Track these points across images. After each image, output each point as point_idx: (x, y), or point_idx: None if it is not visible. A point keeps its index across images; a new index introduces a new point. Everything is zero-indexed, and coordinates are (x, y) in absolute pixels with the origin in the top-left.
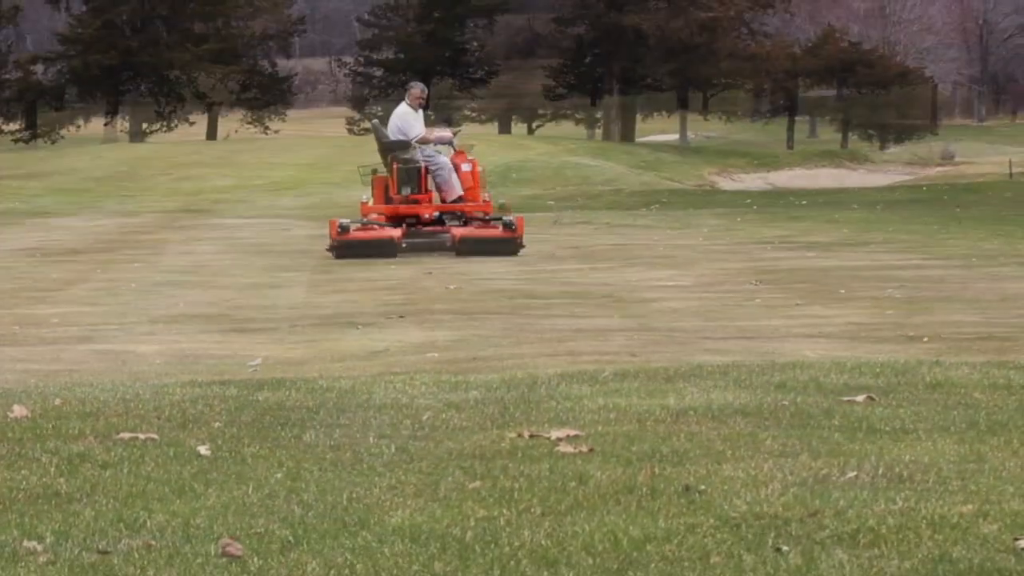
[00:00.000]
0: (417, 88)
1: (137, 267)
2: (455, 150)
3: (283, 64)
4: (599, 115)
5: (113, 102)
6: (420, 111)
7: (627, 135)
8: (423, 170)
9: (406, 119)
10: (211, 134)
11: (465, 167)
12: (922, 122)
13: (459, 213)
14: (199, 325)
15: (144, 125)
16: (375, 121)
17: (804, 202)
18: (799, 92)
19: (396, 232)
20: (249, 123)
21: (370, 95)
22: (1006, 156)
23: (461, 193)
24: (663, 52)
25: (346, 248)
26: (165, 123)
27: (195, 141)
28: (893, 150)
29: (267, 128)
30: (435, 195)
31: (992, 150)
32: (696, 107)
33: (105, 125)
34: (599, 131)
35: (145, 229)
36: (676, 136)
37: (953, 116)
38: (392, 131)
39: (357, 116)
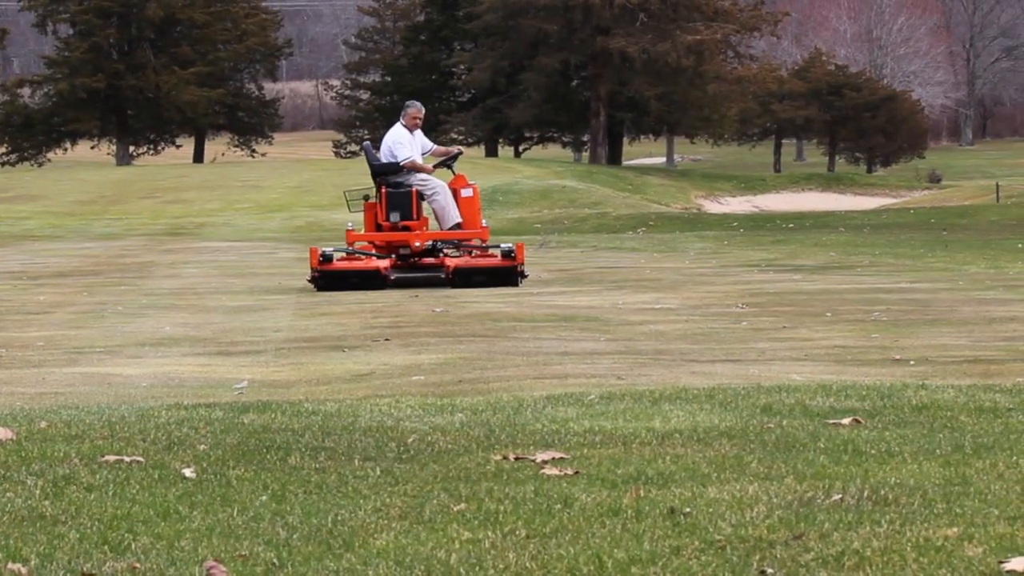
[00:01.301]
0: (414, 108)
1: (123, 290)
2: (454, 174)
3: (270, 87)
4: (586, 138)
5: (100, 125)
6: (417, 133)
7: (614, 158)
8: (414, 194)
9: (398, 141)
10: (198, 157)
11: (465, 192)
12: (909, 145)
13: (455, 242)
14: (185, 348)
15: (131, 148)
16: (366, 143)
17: (791, 225)
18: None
19: (384, 263)
20: (236, 146)
21: (356, 118)
22: (993, 179)
23: (459, 220)
24: (650, 75)
25: (329, 279)
26: (152, 146)
27: (182, 164)
28: (880, 173)
29: (254, 151)
30: (431, 222)
31: (979, 173)
32: (683, 130)
33: (92, 148)
34: (586, 154)
35: (131, 252)
36: (663, 159)
37: (940, 139)
38: (384, 153)
39: (344, 139)
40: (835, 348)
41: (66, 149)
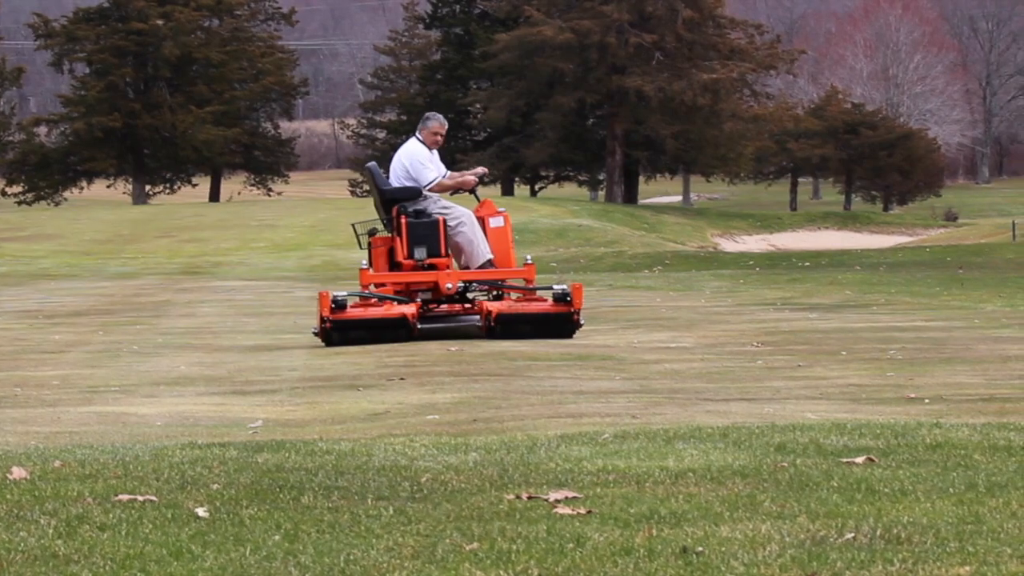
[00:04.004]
0: (435, 121)
1: (138, 329)
2: (479, 200)
3: (286, 126)
4: (602, 177)
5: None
6: (435, 152)
7: (630, 197)
8: (442, 224)
9: (417, 159)
10: (214, 196)
11: (495, 222)
12: (925, 183)
13: (494, 282)
14: (200, 387)
15: (147, 187)
16: (371, 164)
17: (806, 264)
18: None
19: (410, 309)
20: (252, 185)
21: (373, 157)
22: (1009, 217)
23: (490, 256)
24: (666, 114)
25: (344, 330)
26: (168, 185)
27: (198, 203)
28: (896, 211)
29: (270, 190)
30: (453, 260)
31: (995, 211)
32: (699, 169)
33: (108, 187)
34: (602, 193)
35: (147, 291)
36: (679, 197)
37: (956, 177)
38: (397, 175)
39: (360, 178)
40: (850, 387)
41: (82, 188)
